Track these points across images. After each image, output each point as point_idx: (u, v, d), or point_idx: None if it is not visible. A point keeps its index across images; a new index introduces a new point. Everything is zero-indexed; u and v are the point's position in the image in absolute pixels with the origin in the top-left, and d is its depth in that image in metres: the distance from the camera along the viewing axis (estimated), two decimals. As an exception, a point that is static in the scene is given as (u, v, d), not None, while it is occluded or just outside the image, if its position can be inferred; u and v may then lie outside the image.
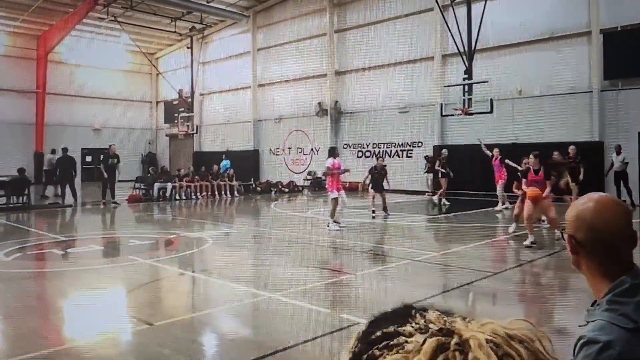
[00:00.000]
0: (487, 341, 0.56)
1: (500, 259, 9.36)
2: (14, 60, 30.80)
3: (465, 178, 19.31)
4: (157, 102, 38.44)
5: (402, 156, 23.99)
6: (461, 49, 18.77)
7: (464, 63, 18.79)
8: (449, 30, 19.26)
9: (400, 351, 0.58)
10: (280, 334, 5.58)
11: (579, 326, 1.48)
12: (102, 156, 20.23)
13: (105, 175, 19.48)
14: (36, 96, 31.30)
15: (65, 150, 19.95)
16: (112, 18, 27.65)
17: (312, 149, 27.78)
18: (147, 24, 30.31)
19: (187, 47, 32.28)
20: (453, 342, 0.56)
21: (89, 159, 33.55)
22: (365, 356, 0.60)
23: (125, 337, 5.65)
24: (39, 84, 31.26)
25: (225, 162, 25.88)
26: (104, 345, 5.28)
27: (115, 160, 19.65)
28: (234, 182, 24.28)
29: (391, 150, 24.34)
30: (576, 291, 5.96)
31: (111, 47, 33.91)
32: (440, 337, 0.56)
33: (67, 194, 19.13)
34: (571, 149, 15.18)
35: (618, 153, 16.30)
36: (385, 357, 0.58)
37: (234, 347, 5.32)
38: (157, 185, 21.76)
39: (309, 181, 27.26)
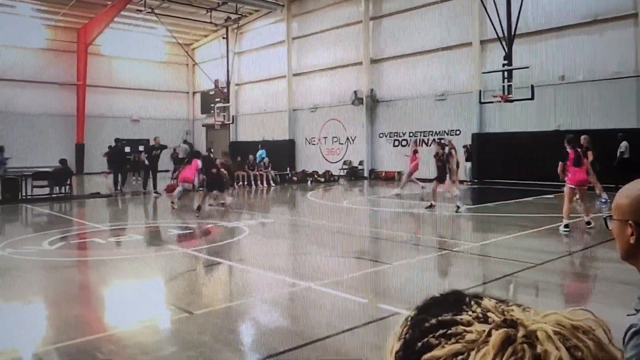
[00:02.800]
0: (555, 333, 0.53)
1: (540, 249, 9.09)
2: (55, 53, 31.55)
3: (503, 167, 18.94)
4: (194, 93, 38.81)
5: (440, 145, 23.60)
6: (500, 34, 18.28)
7: (504, 48, 18.31)
8: (488, 15, 18.76)
9: (460, 341, 0.54)
10: (318, 324, 5.56)
11: (627, 315, 1.42)
12: (142, 147, 20.78)
13: (147, 162, 20.25)
14: (77, 88, 32.02)
15: (117, 141, 21.22)
16: (150, 10, 27.95)
17: (347, 138, 27.61)
18: (184, 15, 30.60)
19: (223, 38, 32.46)
20: (520, 334, 0.53)
21: (127, 149, 34.08)
22: (419, 344, 0.56)
23: (166, 325, 5.70)
24: (80, 76, 31.94)
25: (261, 152, 25.98)
26: (144, 333, 5.34)
27: (159, 150, 20.07)
28: (270, 171, 24.36)
29: (428, 139, 23.97)
30: (622, 282, 5.74)
31: (148, 39, 34.44)
32: (506, 329, 0.53)
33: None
34: (583, 137, 14.99)
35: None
36: (444, 347, 0.55)
37: (272, 336, 5.32)
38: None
39: (345, 171, 27.15)
